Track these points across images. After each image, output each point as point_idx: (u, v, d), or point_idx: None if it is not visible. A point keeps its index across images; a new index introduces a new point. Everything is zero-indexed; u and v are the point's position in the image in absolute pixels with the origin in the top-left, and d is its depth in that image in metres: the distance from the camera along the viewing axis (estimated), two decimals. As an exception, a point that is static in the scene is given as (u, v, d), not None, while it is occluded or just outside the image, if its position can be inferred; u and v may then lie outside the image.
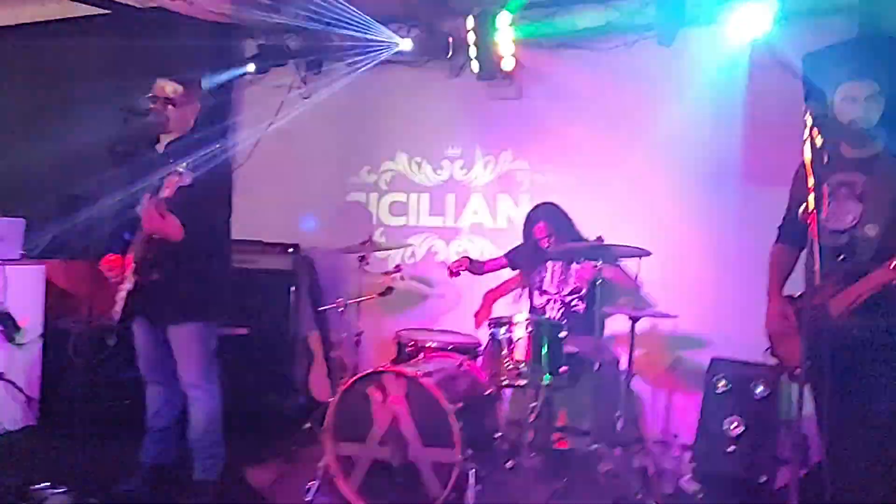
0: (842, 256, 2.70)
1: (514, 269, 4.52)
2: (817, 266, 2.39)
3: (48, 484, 3.22)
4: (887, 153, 2.79)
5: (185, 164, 3.08)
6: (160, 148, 3.37)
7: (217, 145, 3.30)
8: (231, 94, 5.43)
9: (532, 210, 4.35)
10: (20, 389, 4.41)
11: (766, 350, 3.00)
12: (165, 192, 2.99)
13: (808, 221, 2.42)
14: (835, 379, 2.48)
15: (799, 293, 2.85)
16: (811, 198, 2.43)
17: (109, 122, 3.36)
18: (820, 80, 2.97)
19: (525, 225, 4.36)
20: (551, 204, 4.30)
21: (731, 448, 3.90)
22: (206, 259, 3.26)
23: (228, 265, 3.44)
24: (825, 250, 2.65)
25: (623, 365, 3.81)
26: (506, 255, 4.53)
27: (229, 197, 3.32)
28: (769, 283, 3.00)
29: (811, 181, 2.43)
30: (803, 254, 2.79)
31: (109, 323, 4.18)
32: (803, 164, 2.72)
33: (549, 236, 4.19)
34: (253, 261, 4.89)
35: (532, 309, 4.30)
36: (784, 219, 3.04)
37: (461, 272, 4.42)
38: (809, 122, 2.45)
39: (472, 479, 3.12)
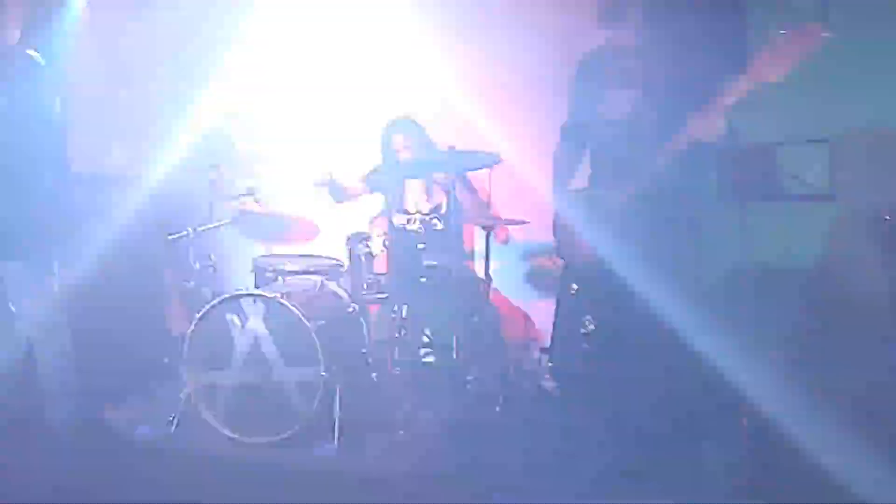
0: None
1: (372, 192, 4.48)
2: None
3: None
4: None
5: None
6: None
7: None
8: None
9: (388, 124, 4.30)
10: None
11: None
12: None
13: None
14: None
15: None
16: None
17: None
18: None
19: (382, 140, 4.31)
20: (405, 119, 4.27)
21: (585, 346, 4.14)
22: (34, 190, 3.00)
23: (63, 198, 3.17)
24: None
25: (480, 275, 3.91)
26: (364, 179, 4.47)
27: (52, 121, 3.04)
28: (553, 180, 3.14)
29: None
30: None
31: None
32: None
33: (406, 148, 4.18)
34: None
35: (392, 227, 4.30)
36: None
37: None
38: None
39: (337, 395, 3.14)
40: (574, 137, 3.09)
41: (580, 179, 3.12)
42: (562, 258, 3.02)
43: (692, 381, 2.90)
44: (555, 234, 3.13)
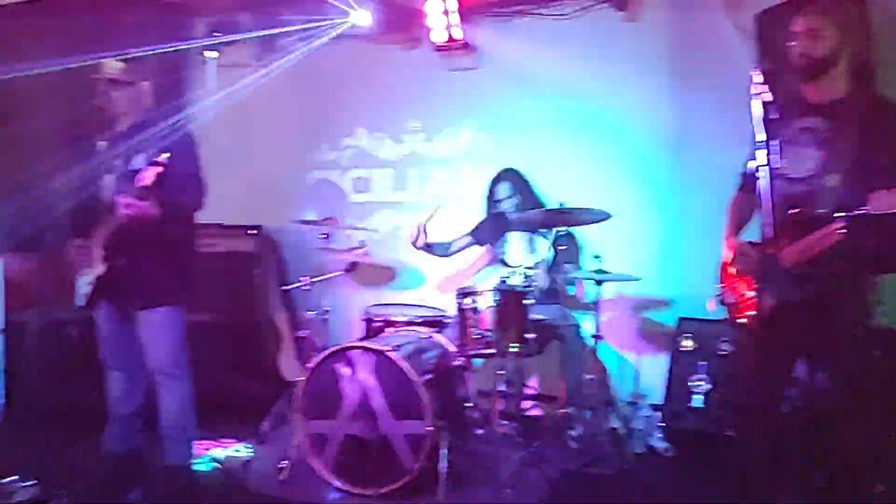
0: (796, 209, 2.61)
1: (480, 244, 4.51)
2: (769, 217, 2.37)
3: (16, 477, 3.18)
4: (852, 98, 2.66)
5: (158, 151, 3.02)
6: (122, 129, 3.27)
7: (179, 125, 3.24)
8: (184, 73, 5.32)
9: (494, 177, 4.33)
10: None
11: (717, 297, 2.93)
12: (146, 181, 2.92)
13: (758, 174, 2.41)
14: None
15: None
16: (761, 152, 2.42)
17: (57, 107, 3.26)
18: (773, 36, 2.94)
19: (489, 193, 4.34)
20: (512, 169, 4.30)
21: (700, 406, 3.98)
22: (174, 242, 3.19)
23: (195, 247, 3.37)
24: (781, 200, 2.59)
25: (589, 330, 3.84)
26: (471, 233, 4.51)
27: (202, 179, 3.22)
28: (726, 228, 2.93)
29: (760, 136, 2.42)
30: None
31: (68, 314, 4.13)
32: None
33: (511, 197, 4.20)
34: (214, 245, 4.82)
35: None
36: (745, 167, 2.97)
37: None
38: (759, 78, 2.44)
39: (443, 449, 3.13)
40: (749, 187, 2.87)
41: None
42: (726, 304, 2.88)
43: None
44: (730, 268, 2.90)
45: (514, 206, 4.19)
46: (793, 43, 2.65)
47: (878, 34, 3.48)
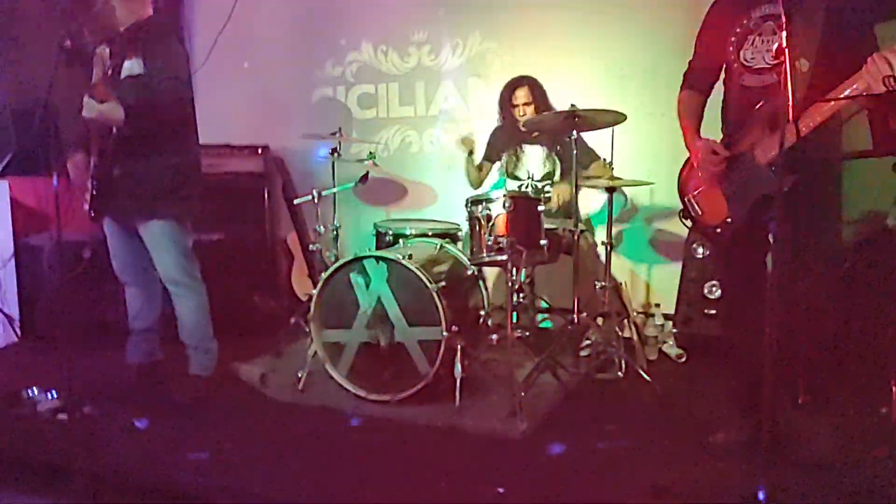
0: (760, 103, 2.46)
1: (492, 161, 4.45)
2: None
3: (35, 389, 3.24)
4: None
5: (136, 56, 2.96)
6: (113, 35, 3.19)
7: (170, 36, 3.15)
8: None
9: (510, 83, 4.24)
10: (-1, 310, 4.37)
11: (679, 212, 2.79)
12: (100, 75, 2.86)
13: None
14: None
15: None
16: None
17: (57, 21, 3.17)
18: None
19: (502, 97, 4.26)
20: (530, 77, 4.21)
21: (712, 311, 3.99)
22: (168, 154, 3.14)
23: (194, 162, 3.31)
24: (745, 93, 2.54)
25: (602, 239, 3.81)
26: (486, 157, 4.46)
27: (188, 90, 3.15)
28: (683, 131, 2.75)
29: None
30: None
31: (79, 236, 4.13)
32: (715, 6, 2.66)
33: (528, 104, 4.14)
34: (223, 164, 4.79)
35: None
36: (690, 64, 2.83)
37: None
38: None
39: (458, 354, 3.16)
40: (698, 85, 2.79)
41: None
42: (689, 218, 2.79)
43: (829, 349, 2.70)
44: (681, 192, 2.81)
45: (532, 113, 4.12)
46: None
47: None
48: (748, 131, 2.52)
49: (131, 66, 2.99)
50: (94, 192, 3.15)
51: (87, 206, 3.20)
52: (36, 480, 2.68)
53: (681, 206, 2.80)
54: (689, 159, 2.76)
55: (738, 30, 2.58)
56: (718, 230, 2.66)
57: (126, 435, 2.98)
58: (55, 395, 3.21)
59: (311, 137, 4.24)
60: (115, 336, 3.60)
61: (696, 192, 2.74)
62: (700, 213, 2.73)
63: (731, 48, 2.60)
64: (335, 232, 4.13)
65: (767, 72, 2.51)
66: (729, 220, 2.61)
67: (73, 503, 2.51)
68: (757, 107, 2.48)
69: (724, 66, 2.69)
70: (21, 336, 4.47)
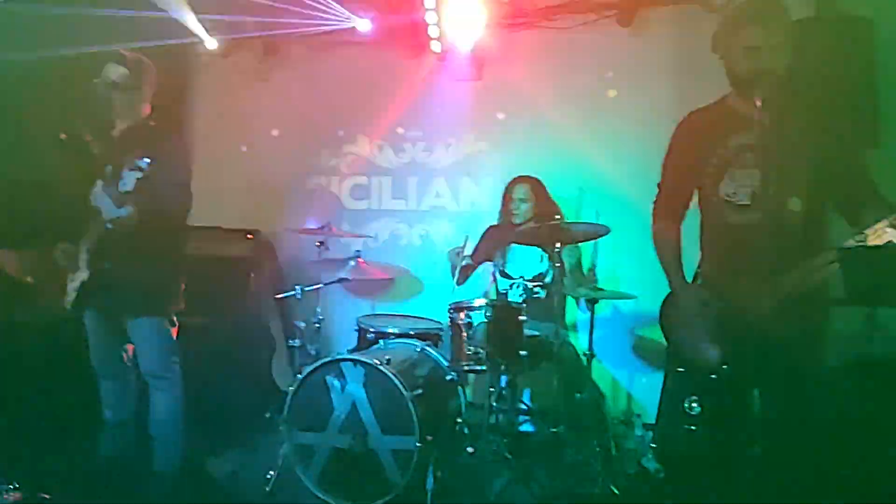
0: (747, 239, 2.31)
1: (482, 262, 4.46)
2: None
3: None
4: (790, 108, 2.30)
5: (143, 157, 3.00)
6: (115, 134, 3.24)
7: (173, 133, 3.22)
8: (186, 78, 5.29)
9: (512, 179, 4.29)
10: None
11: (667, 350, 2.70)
12: (125, 187, 2.89)
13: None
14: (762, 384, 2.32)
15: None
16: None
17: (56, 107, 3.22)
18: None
19: (504, 194, 4.31)
20: (530, 176, 4.27)
21: (692, 427, 3.93)
22: (161, 251, 3.16)
23: (184, 257, 3.33)
24: (729, 231, 2.39)
25: (583, 348, 3.80)
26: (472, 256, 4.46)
27: (188, 188, 3.19)
28: (666, 270, 2.58)
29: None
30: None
31: (61, 314, 4.09)
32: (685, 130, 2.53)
33: (526, 201, 4.17)
34: (212, 248, 4.79)
35: (497, 294, 4.27)
36: (659, 190, 2.70)
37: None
38: None
39: (431, 466, 3.10)
40: (672, 215, 2.66)
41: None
42: (667, 340, 2.76)
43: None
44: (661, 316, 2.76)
45: (529, 211, 4.16)
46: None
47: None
48: (739, 275, 2.37)
49: (134, 171, 3.00)
50: (83, 284, 3.13)
51: (70, 297, 3.17)
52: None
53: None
54: (670, 295, 2.64)
55: (713, 160, 2.44)
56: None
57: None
58: (17, 487, 3.12)
59: (301, 233, 4.27)
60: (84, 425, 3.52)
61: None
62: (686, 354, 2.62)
63: (707, 180, 2.47)
64: (318, 325, 4.10)
65: (753, 210, 2.36)
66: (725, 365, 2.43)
67: None
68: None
69: (699, 194, 2.56)
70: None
